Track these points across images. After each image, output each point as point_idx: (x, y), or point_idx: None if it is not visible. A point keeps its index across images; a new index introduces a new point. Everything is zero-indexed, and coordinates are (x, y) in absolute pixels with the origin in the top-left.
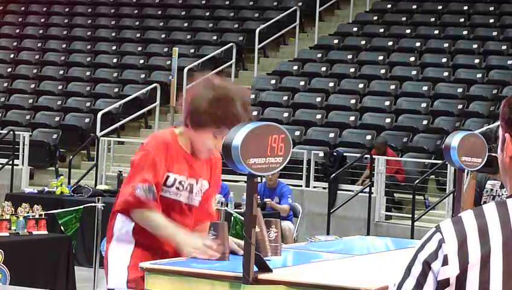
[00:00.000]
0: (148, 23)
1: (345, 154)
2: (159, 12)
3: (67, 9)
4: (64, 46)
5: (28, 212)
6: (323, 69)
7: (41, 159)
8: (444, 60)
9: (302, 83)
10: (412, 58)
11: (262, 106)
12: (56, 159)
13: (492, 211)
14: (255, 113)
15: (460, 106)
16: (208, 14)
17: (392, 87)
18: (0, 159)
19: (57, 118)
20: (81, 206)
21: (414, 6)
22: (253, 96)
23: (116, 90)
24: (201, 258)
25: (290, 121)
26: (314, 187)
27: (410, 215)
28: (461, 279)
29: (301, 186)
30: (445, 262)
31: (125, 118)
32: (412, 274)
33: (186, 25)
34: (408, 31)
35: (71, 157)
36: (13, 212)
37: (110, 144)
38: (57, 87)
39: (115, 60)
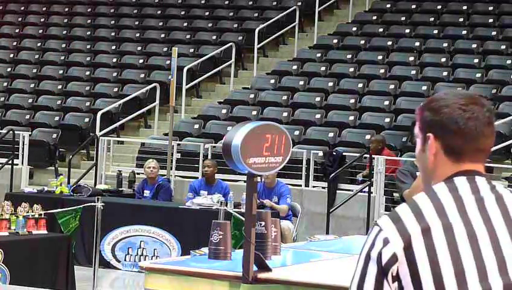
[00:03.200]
0: (148, 23)
1: (344, 153)
2: (159, 12)
3: (67, 9)
4: (63, 45)
5: (27, 212)
6: (323, 68)
7: (41, 159)
8: (444, 59)
9: (301, 82)
10: (412, 58)
11: (261, 105)
12: (56, 159)
13: (423, 197)
14: (254, 112)
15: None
16: (207, 13)
17: (392, 86)
18: (0, 159)
19: (57, 118)
20: (81, 206)
21: (413, 6)
22: (252, 96)
23: (115, 89)
24: None
25: (290, 121)
26: (314, 187)
27: None
28: (408, 251)
29: (300, 185)
30: (385, 243)
31: (124, 118)
32: (357, 270)
33: (185, 24)
34: (407, 30)
35: (71, 156)
36: (13, 212)
37: (110, 144)
38: (56, 87)
39: (114, 60)
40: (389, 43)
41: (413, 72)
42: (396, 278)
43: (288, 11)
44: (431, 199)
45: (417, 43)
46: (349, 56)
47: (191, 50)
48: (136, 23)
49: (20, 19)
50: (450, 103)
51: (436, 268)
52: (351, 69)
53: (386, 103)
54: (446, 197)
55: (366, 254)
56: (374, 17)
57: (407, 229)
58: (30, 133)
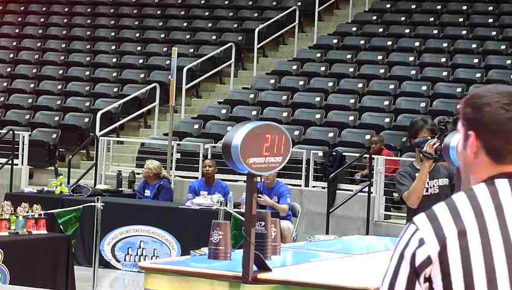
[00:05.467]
0: (148, 23)
1: (344, 153)
2: (159, 12)
3: (66, 9)
4: (63, 45)
5: (27, 212)
6: (323, 68)
7: (41, 159)
8: (443, 59)
9: (301, 82)
10: (411, 58)
11: (261, 105)
12: (55, 159)
13: (461, 197)
14: (254, 113)
15: (459, 106)
16: (207, 13)
17: (391, 86)
18: (0, 159)
19: (57, 118)
20: (81, 206)
21: (413, 6)
22: (252, 96)
23: (115, 89)
24: None
25: (289, 121)
26: (314, 187)
27: None
28: (443, 255)
29: (300, 186)
30: (421, 244)
31: (124, 118)
32: (390, 268)
33: (185, 24)
34: (407, 30)
35: (70, 157)
36: (13, 212)
37: (110, 144)
38: (56, 87)
39: (114, 60)
40: (389, 43)
41: (413, 72)
42: (428, 279)
43: (288, 11)
44: (470, 200)
45: (417, 43)
46: (349, 56)
47: (191, 50)
48: (136, 23)
49: (20, 19)
50: (493, 101)
51: (467, 268)
52: (351, 69)
53: (386, 103)
54: (485, 198)
55: (400, 253)
56: (374, 17)
57: (443, 231)
58: (30, 133)
